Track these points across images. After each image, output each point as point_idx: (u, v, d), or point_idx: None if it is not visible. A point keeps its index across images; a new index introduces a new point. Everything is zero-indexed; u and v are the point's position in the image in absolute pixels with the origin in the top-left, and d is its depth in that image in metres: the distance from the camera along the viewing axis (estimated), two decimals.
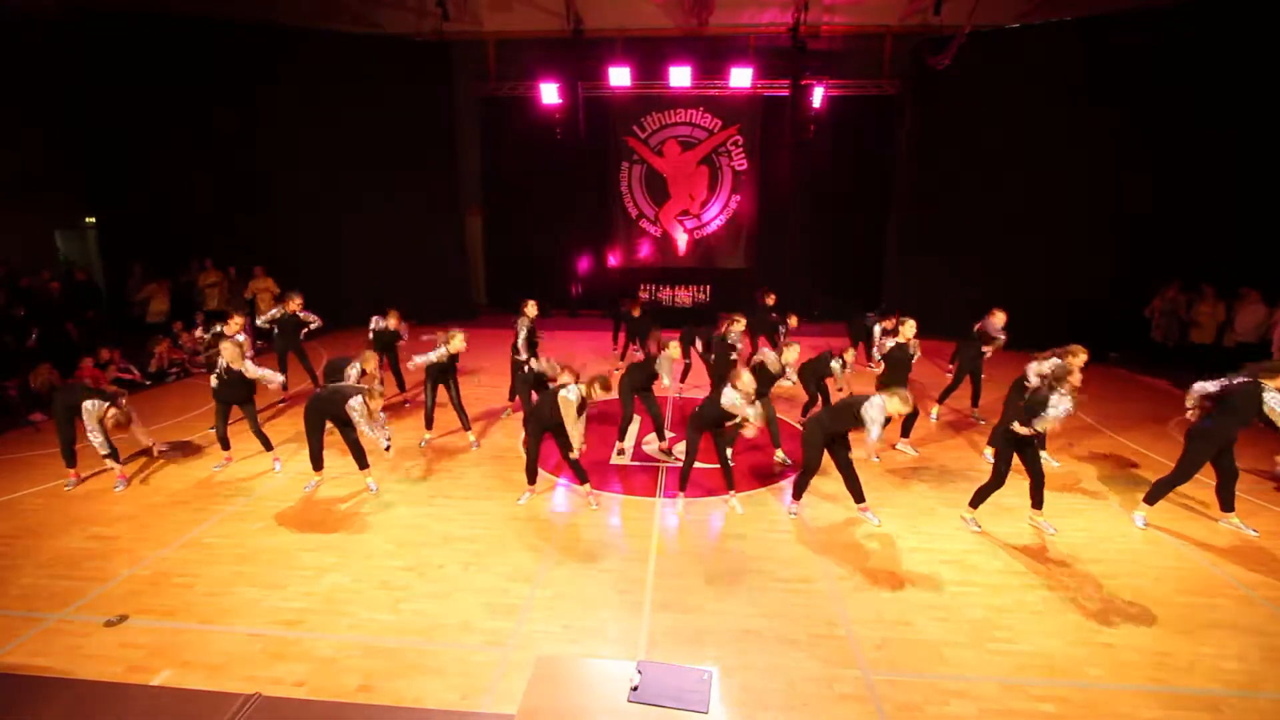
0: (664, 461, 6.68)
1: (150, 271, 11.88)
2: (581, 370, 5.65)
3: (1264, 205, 10.16)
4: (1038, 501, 5.30)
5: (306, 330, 8.26)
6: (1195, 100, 10.44)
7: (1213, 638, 4.03)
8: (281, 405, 8.44)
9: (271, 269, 12.38)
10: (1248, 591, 4.51)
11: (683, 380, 9.35)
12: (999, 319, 8.02)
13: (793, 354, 6.29)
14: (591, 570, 4.74)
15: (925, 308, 12.55)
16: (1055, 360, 5.98)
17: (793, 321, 9.35)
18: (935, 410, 8.06)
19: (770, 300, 10.06)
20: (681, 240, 14.91)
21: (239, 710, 3.34)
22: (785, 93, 13.14)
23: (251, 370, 6.12)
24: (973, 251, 12.26)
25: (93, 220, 12.81)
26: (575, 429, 5.34)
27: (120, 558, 4.88)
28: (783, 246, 14.64)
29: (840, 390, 7.30)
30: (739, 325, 7.40)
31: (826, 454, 5.37)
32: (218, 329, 7.14)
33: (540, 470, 5.95)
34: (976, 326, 8.49)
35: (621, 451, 6.86)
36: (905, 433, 6.93)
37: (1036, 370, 6.14)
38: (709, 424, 5.52)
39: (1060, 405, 4.86)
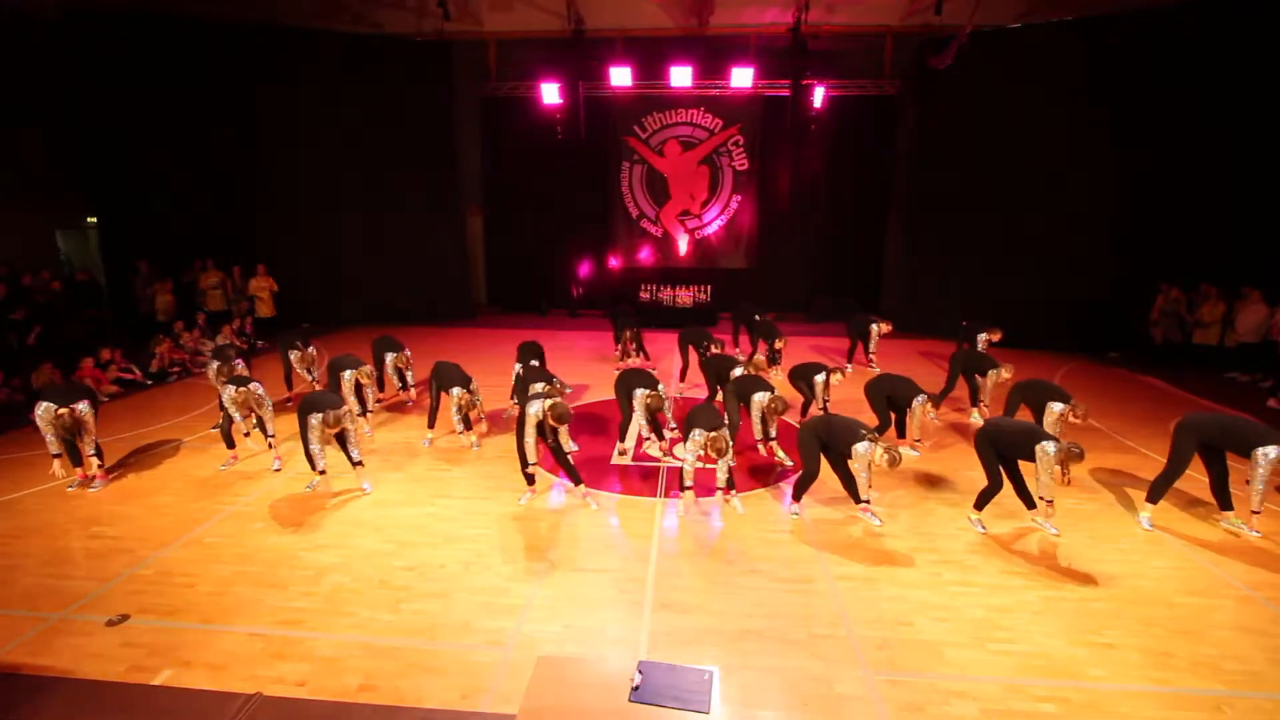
0: (664, 461, 6.67)
1: (155, 270, 11.90)
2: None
3: (1264, 205, 10.17)
4: (1027, 503, 5.29)
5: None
6: (1195, 100, 10.45)
7: (1214, 638, 4.03)
8: (288, 405, 8.44)
9: (272, 269, 12.40)
10: (1250, 592, 4.51)
11: (682, 379, 9.35)
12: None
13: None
14: (591, 570, 4.74)
15: (925, 308, 12.66)
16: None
17: (780, 344, 9.43)
18: (933, 412, 8.06)
19: (770, 315, 10.40)
20: (682, 240, 14.92)
21: (240, 710, 3.34)
22: (786, 93, 13.14)
23: (225, 398, 6.29)
24: (973, 251, 12.27)
25: (93, 220, 12.82)
26: (530, 441, 5.50)
27: (121, 557, 4.88)
28: (783, 246, 14.67)
29: (825, 403, 7.32)
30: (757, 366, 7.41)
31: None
32: (216, 342, 7.18)
33: (540, 470, 5.94)
34: (964, 322, 8.57)
35: (623, 452, 6.85)
36: (901, 433, 6.91)
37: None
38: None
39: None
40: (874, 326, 9.86)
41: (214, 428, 6.89)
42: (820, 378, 7.14)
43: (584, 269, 15.10)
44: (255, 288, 12.21)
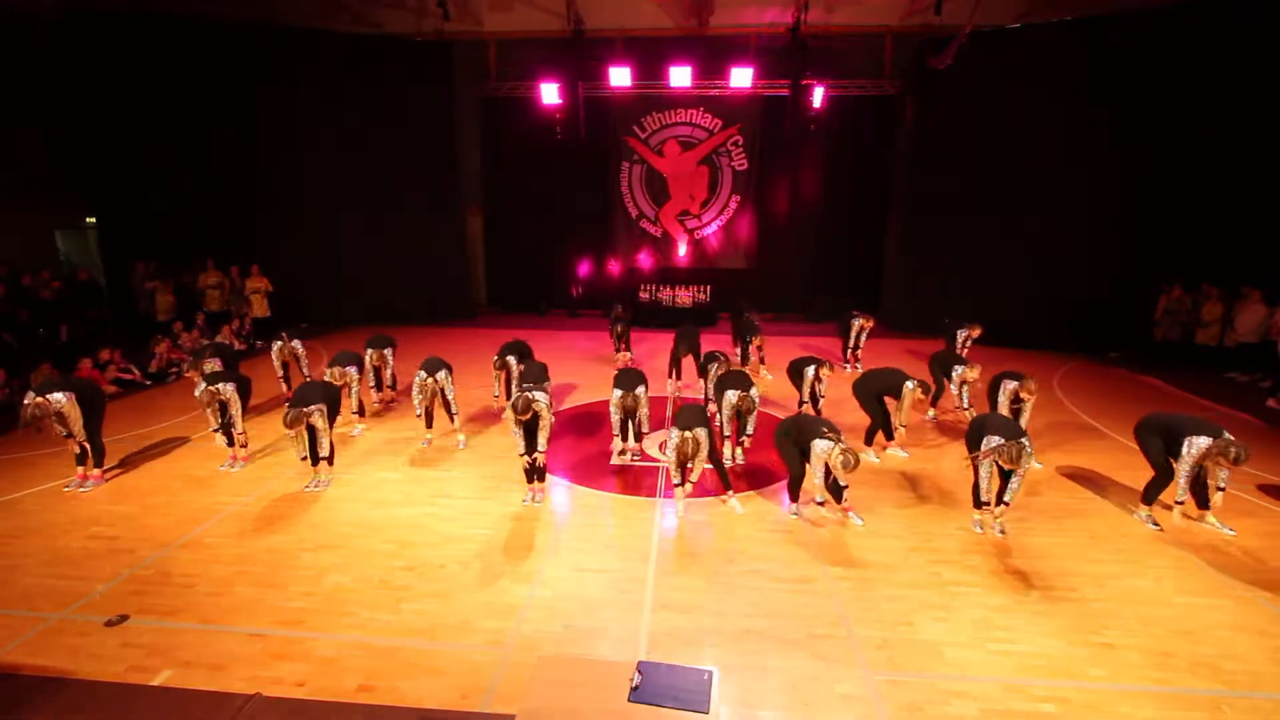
0: (664, 462, 6.67)
1: (154, 269, 11.90)
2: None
3: (1264, 205, 10.17)
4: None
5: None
6: (1195, 100, 10.45)
7: (1214, 638, 4.03)
8: (286, 404, 8.45)
9: (272, 269, 12.40)
10: (1248, 592, 4.51)
11: (678, 379, 9.35)
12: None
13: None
14: (591, 570, 4.74)
15: (925, 308, 12.65)
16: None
17: (757, 341, 9.51)
18: (931, 412, 8.06)
19: (756, 319, 10.33)
20: (682, 240, 14.92)
21: (239, 710, 3.34)
22: (785, 93, 13.14)
23: (200, 400, 6.28)
24: (973, 252, 12.27)
25: (93, 220, 12.82)
26: (516, 432, 5.58)
27: (121, 557, 4.88)
28: (782, 247, 14.67)
29: (819, 399, 7.35)
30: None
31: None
32: (215, 342, 7.13)
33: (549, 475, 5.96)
34: (945, 320, 8.59)
35: (623, 452, 6.86)
36: (889, 434, 6.89)
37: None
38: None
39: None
40: (855, 321, 9.85)
41: (213, 428, 6.88)
42: (810, 370, 7.16)
43: (583, 269, 15.10)
44: (250, 288, 12.21)
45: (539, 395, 5.53)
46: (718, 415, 6.47)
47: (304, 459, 5.96)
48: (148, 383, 9.36)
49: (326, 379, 6.81)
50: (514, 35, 13.75)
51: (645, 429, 6.64)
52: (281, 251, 12.97)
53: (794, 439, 5.31)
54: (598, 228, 14.94)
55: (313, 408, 5.67)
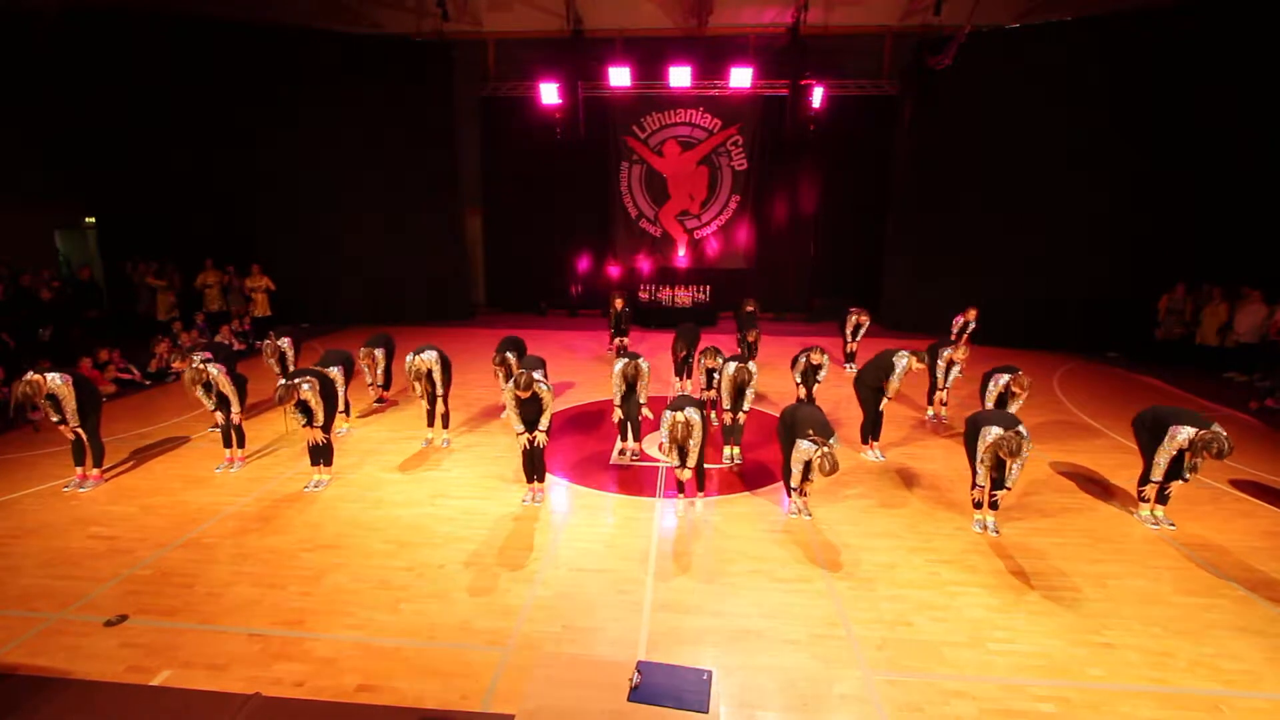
0: (663, 462, 6.67)
1: (153, 268, 11.91)
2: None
3: (1264, 205, 10.17)
4: (993, 502, 5.25)
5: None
6: (1195, 100, 10.46)
7: (1213, 638, 4.03)
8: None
9: (271, 268, 12.40)
10: (1248, 592, 4.51)
11: (687, 377, 9.34)
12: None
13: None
14: (591, 570, 4.74)
15: (924, 308, 12.66)
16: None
17: (751, 336, 9.45)
18: (931, 411, 8.06)
19: (749, 308, 10.38)
20: (681, 240, 14.92)
21: (239, 710, 3.34)
22: (785, 93, 13.16)
23: (186, 381, 6.24)
24: (973, 252, 12.28)
25: (93, 220, 12.82)
26: (514, 416, 5.54)
27: (120, 557, 4.87)
28: (782, 246, 14.68)
29: (812, 384, 7.34)
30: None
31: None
32: (201, 342, 7.06)
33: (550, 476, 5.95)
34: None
35: (624, 452, 6.86)
36: (875, 437, 6.88)
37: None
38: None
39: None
40: (852, 316, 9.85)
41: (212, 428, 6.88)
42: (803, 359, 7.21)
43: (583, 269, 15.10)
44: (249, 287, 12.21)
45: (539, 377, 5.54)
46: (714, 398, 6.42)
47: (305, 425, 5.91)
48: (147, 383, 9.35)
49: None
50: (513, 35, 13.76)
51: (644, 399, 6.48)
52: (281, 251, 12.98)
53: (789, 430, 5.31)
54: (597, 228, 14.94)
55: (301, 380, 5.67)
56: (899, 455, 6.91)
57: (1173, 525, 5.37)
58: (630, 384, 6.38)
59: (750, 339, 9.43)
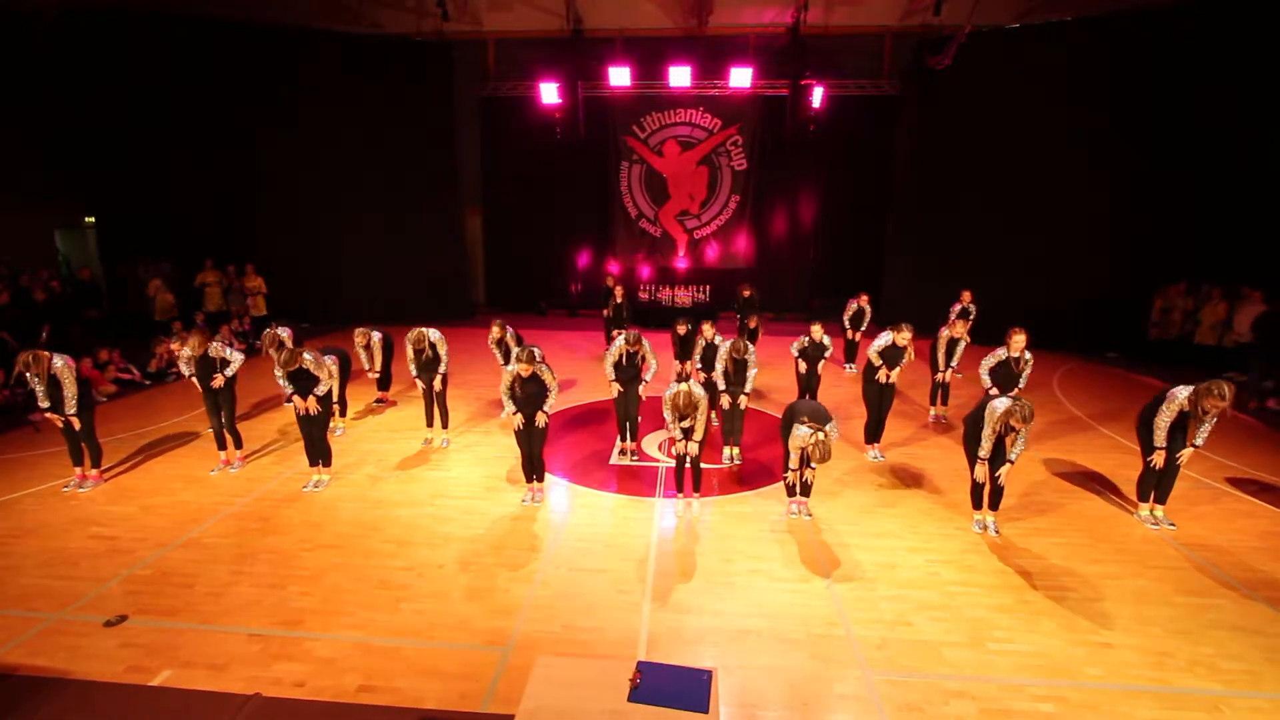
0: (663, 462, 6.67)
1: (155, 268, 11.91)
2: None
3: (1264, 205, 10.17)
4: (994, 502, 5.25)
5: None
6: (1195, 100, 10.46)
7: (1212, 638, 4.03)
8: (287, 404, 8.45)
9: (271, 269, 12.40)
10: (1247, 592, 4.51)
11: (685, 362, 9.33)
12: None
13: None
14: (591, 570, 4.74)
15: (925, 308, 12.63)
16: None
17: (753, 322, 9.44)
18: (933, 411, 8.06)
19: (746, 293, 10.36)
20: (681, 241, 14.92)
21: (239, 710, 3.34)
22: (785, 93, 13.15)
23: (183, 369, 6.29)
24: (973, 251, 12.27)
25: (93, 220, 12.81)
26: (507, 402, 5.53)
27: (120, 557, 4.87)
28: (782, 246, 14.68)
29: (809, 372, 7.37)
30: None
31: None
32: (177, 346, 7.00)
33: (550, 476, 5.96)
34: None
35: (624, 451, 6.86)
36: (877, 438, 6.88)
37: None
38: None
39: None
40: (853, 304, 9.84)
41: (210, 428, 6.88)
42: (794, 345, 7.25)
43: (583, 269, 15.10)
44: (249, 288, 12.21)
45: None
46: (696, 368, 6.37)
47: (290, 397, 5.87)
48: (147, 383, 9.35)
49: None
50: (513, 35, 13.75)
51: (648, 376, 6.49)
52: (280, 251, 12.97)
53: (789, 423, 5.29)
54: (597, 228, 14.94)
55: (301, 349, 5.70)
56: (899, 455, 6.91)
57: (1173, 525, 5.37)
58: (630, 358, 6.33)
59: (752, 325, 9.40)
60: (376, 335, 7.95)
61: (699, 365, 6.96)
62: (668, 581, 4.61)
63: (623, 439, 6.85)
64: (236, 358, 6.31)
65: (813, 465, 5.22)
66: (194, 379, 6.27)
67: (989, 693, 3.58)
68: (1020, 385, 6.42)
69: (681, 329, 8.25)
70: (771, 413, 7.96)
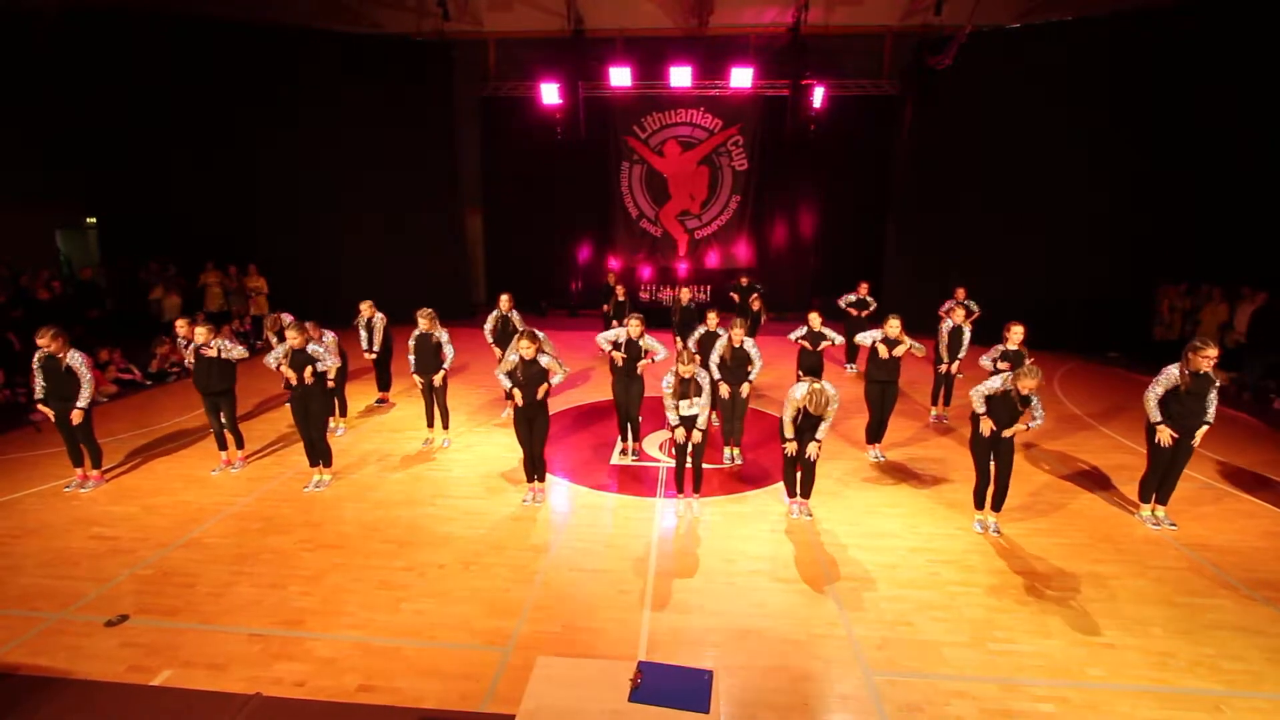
0: (663, 462, 6.67)
1: (162, 269, 11.92)
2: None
3: (1264, 205, 10.17)
4: (996, 502, 5.24)
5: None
6: (1195, 100, 10.45)
7: (1213, 638, 4.03)
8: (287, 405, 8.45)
9: (271, 269, 12.39)
10: (1248, 592, 4.51)
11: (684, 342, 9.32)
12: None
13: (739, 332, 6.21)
14: (591, 570, 4.74)
15: (925, 308, 12.62)
16: None
17: (755, 304, 9.48)
18: (934, 412, 8.05)
19: (745, 281, 10.40)
20: (682, 241, 14.92)
21: (239, 710, 3.35)
22: (785, 93, 13.15)
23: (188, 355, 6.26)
24: (973, 252, 12.27)
25: (93, 220, 12.81)
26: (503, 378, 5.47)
27: (121, 557, 4.88)
28: (782, 246, 14.68)
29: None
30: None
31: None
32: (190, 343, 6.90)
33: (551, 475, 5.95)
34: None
35: (625, 451, 6.86)
36: (878, 438, 6.87)
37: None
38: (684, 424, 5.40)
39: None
40: (850, 296, 9.81)
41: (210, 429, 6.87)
42: (793, 334, 7.31)
43: (583, 268, 15.10)
44: (250, 287, 12.21)
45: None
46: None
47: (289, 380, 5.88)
48: (148, 383, 9.36)
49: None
50: (514, 35, 13.74)
51: (651, 359, 6.37)
52: (281, 251, 12.96)
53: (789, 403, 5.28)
54: (598, 228, 14.94)
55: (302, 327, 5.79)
56: (899, 455, 6.91)
57: (1174, 525, 5.37)
58: (632, 348, 6.27)
59: (755, 307, 9.35)
60: (381, 316, 7.91)
61: (695, 351, 6.93)
62: (668, 581, 4.61)
63: (623, 439, 6.85)
64: (240, 350, 6.33)
65: (818, 437, 5.14)
66: (192, 366, 6.23)
67: (989, 693, 3.58)
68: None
69: (685, 296, 8.12)
70: (772, 413, 7.95)
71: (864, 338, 6.55)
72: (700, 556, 4.95)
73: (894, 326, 6.37)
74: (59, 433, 5.94)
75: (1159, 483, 5.38)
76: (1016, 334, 6.38)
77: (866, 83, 13.33)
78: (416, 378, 6.92)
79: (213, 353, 6.14)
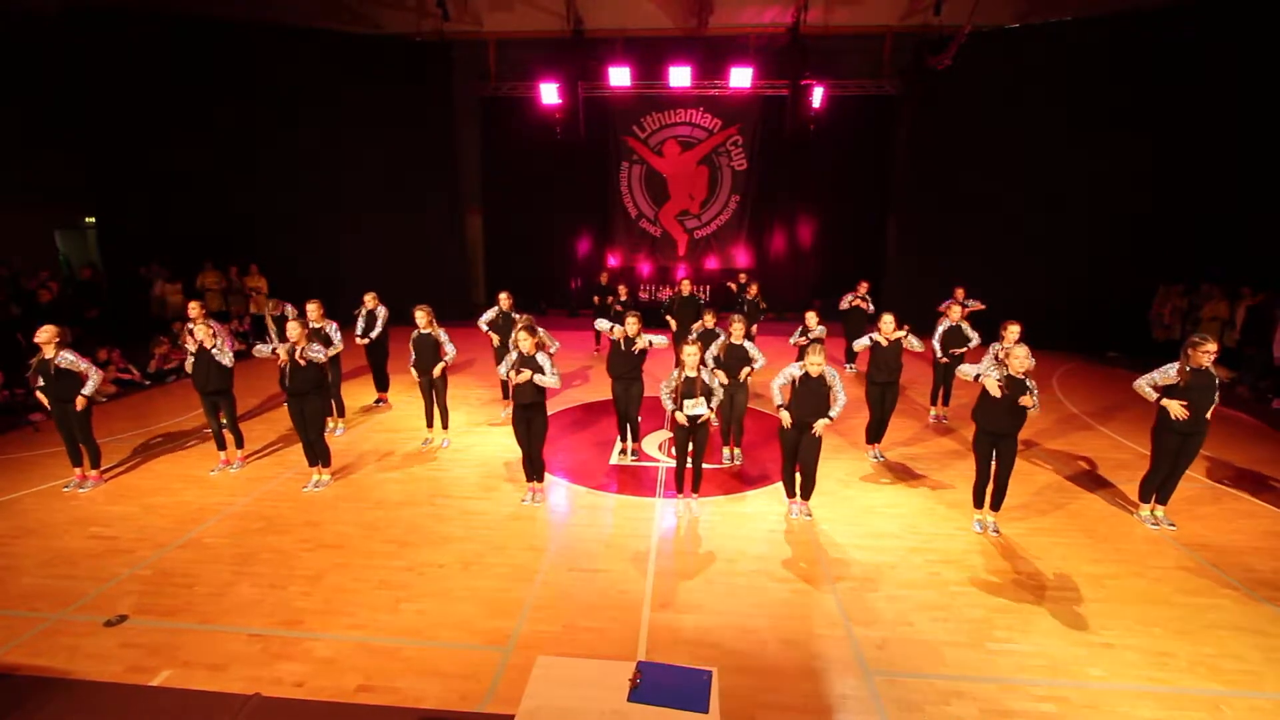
0: (663, 461, 6.67)
1: (165, 269, 11.93)
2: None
3: (1265, 205, 10.17)
4: (995, 502, 5.24)
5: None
6: (1195, 100, 10.46)
7: (1213, 638, 4.03)
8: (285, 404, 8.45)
9: (271, 269, 12.39)
10: (1248, 591, 4.51)
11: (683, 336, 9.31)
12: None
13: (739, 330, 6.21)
14: (591, 570, 4.74)
15: (925, 308, 12.62)
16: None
17: (752, 292, 9.54)
18: (933, 412, 8.05)
19: (744, 278, 10.51)
20: (681, 240, 14.93)
21: (239, 710, 3.34)
22: (785, 93, 13.15)
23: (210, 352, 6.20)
24: (973, 251, 12.27)
25: (92, 220, 12.80)
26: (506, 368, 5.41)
27: (120, 557, 4.87)
28: (782, 247, 14.68)
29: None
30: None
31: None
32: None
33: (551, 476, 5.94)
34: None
35: (624, 451, 6.86)
36: (878, 439, 6.87)
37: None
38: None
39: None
40: (849, 295, 9.76)
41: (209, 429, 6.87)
42: (792, 338, 7.41)
43: (583, 268, 15.10)
44: (250, 286, 12.21)
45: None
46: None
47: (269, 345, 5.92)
48: (147, 383, 9.35)
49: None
50: (514, 35, 13.74)
51: (650, 343, 6.33)
52: (281, 251, 12.96)
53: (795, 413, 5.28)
54: (598, 228, 14.94)
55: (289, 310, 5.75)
56: (900, 455, 6.91)
57: (1173, 525, 5.37)
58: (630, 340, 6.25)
59: (751, 294, 9.37)
60: (384, 309, 8.02)
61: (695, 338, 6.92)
62: (668, 581, 4.61)
63: (623, 439, 6.85)
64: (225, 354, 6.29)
65: (832, 415, 5.08)
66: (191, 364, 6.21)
67: (989, 693, 3.58)
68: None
69: (687, 288, 8.16)
70: (771, 413, 7.94)
71: (860, 344, 6.56)
72: (700, 556, 4.95)
73: (888, 323, 6.40)
74: (58, 432, 5.93)
75: (1161, 483, 5.38)
76: (1013, 333, 6.37)
77: (866, 83, 13.33)
78: (415, 373, 6.92)
79: (211, 343, 6.12)
